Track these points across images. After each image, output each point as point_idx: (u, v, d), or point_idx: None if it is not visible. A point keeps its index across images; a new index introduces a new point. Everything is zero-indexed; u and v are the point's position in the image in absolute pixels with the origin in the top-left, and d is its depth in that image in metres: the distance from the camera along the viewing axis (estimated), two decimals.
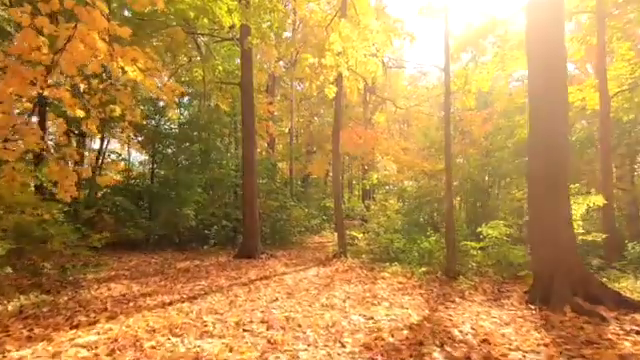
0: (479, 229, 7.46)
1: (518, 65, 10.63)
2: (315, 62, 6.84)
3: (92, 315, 3.99)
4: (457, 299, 5.36)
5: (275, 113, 20.48)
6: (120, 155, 13.73)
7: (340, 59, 7.26)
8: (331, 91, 7.60)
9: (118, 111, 6.63)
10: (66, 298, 4.72)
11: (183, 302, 4.81)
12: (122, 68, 5.86)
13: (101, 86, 5.92)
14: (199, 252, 9.89)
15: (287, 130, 20.37)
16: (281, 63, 22.87)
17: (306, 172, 21.12)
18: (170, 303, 4.73)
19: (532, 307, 4.84)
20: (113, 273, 6.89)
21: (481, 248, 7.34)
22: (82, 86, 5.73)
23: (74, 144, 13.12)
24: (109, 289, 5.44)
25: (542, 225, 5.16)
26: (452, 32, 9.96)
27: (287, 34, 16.61)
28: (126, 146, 15.19)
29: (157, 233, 10.74)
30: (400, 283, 6.29)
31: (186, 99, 13.21)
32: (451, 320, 4.35)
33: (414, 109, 18.41)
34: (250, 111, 9.74)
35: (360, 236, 9.73)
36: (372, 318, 4.27)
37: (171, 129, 13.38)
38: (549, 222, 5.07)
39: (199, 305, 4.69)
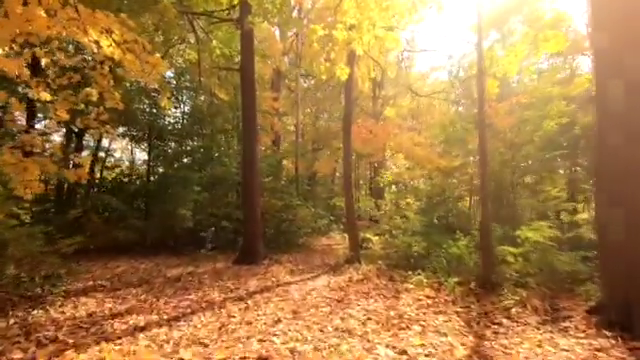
0: (517, 232, 6.35)
1: (550, 47, 9.50)
2: (325, 35, 5.82)
3: (31, 350, 3.00)
4: (504, 320, 4.28)
5: (280, 110, 19.52)
6: (118, 153, 12.94)
7: (354, 34, 6.23)
8: (343, 72, 6.55)
9: (95, 95, 5.67)
10: (12, 321, 3.75)
11: (161, 326, 3.80)
12: (97, 42, 4.91)
13: (68, 62, 4.95)
14: (195, 257, 8.91)
15: (293, 126, 19.39)
16: (286, 59, 22.00)
17: (312, 170, 20.10)
18: (144, 327, 3.73)
19: (608, 334, 3.76)
20: (90, 283, 5.93)
21: (520, 254, 6.23)
22: (44, 60, 4.77)
23: (67, 142, 12.36)
24: (75, 307, 4.47)
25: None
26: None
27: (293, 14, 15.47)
28: (129, 144, 14.38)
29: (151, 235, 9.81)
30: (429, 297, 5.22)
31: (184, 91, 12.29)
32: (508, 354, 3.29)
33: (428, 101, 17.28)
34: (251, 100, 8.74)
35: (375, 239, 8.67)
36: (405, 352, 3.22)
37: (169, 123, 12.50)
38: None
39: (180, 330, 3.68)
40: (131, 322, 3.89)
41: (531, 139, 11.22)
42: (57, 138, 12.88)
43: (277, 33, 21.17)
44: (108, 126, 5.42)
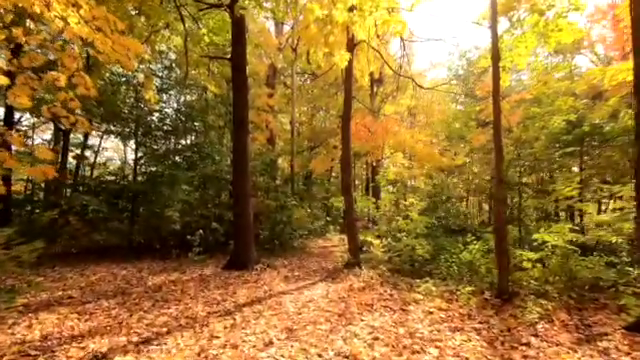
0: (535, 235, 5.78)
1: (564, 36, 8.95)
2: (323, 16, 5.19)
3: None
4: (532, 339, 3.69)
5: (275, 108, 18.89)
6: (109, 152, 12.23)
7: (354, 16, 5.63)
8: (343, 58, 5.93)
9: (63, 80, 4.98)
10: None
11: (127, 352, 3.16)
12: (63, 19, 4.25)
13: (25, 39, 4.28)
14: (182, 262, 8.25)
15: (288, 124, 18.79)
16: (281, 56, 21.36)
17: (308, 169, 19.49)
18: (105, 355, 3.08)
19: None
20: (59, 294, 5.25)
21: (537, 260, 5.66)
22: None
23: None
24: (30, 326, 3.80)
25: None
26: None
27: None
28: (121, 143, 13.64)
29: (136, 238, 9.12)
30: (441, 310, 4.62)
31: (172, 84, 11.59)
32: None
33: (428, 98, 16.72)
34: (242, 93, 8.10)
35: (377, 242, 8.05)
36: None
37: (158, 119, 11.80)
38: None
39: (149, 359, 3.04)
40: (92, 347, 3.24)
41: (538, 136, 10.71)
42: (47, 136, 12.24)
43: (272, 29, 20.58)
44: (81, 117, 4.72)
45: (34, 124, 15.13)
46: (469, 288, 5.26)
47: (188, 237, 8.37)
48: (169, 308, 4.60)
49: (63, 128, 11.44)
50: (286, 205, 11.66)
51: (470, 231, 13.28)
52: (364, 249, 8.73)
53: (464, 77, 20.20)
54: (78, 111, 5.86)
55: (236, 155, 8.00)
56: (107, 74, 8.68)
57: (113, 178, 10.97)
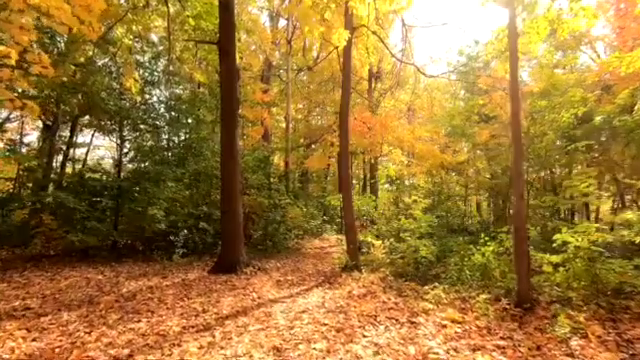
0: (555, 236, 5.18)
1: (575, 23, 8.36)
2: None
3: None
4: None
5: (271, 103, 18.25)
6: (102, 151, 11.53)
7: None
8: (342, 37, 5.31)
9: (13, 55, 4.30)
10: None
11: None
12: None
13: None
14: (166, 265, 7.58)
15: (283, 118, 18.17)
16: (276, 54, 20.72)
17: (304, 167, 18.86)
18: None
19: None
20: (16, 303, 4.57)
21: (558, 263, 5.06)
22: None
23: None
24: None
25: None
26: None
27: None
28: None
29: (116, 239, 8.42)
30: (455, 322, 3.99)
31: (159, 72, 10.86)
32: None
33: (428, 93, 16.12)
34: (231, 81, 7.43)
35: (378, 243, 7.42)
36: None
37: (144, 112, 11.08)
38: None
39: None
40: None
41: (545, 130, 10.16)
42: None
43: (267, 25, 19.95)
44: (29, 101, 4.05)
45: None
46: (484, 296, 4.64)
47: (171, 238, 7.68)
48: (139, 322, 3.94)
49: (48, 123, 10.76)
50: (280, 203, 11.03)
51: (472, 230, 12.76)
52: (363, 250, 8.12)
53: (464, 72, 19.67)
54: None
55: (224, 149, 7.35)
56: (82, 59, 7.94)
57: (95, 175, 10.25)
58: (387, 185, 18.36)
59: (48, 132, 11.10)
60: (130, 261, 8.18)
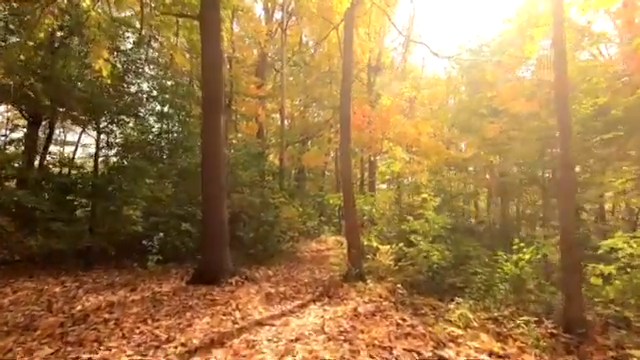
0: (602, 242, 4.27)
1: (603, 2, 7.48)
2: None
3: None
4: None
5: (265, 98, 17.30)
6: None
7: None
8: (344, 1, 4.37)
9: None
10: None
11: None
12: None
13: None
14: (140, 273, 6.58)
15: (278, 113, 17.23)
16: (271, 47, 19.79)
17: (301, 165, 17.91)
18: None
19: None
20: None
21: (610, 274, 4.15)
22: None
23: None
24: None
25: None
26: None
27: None
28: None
29: (84, 244, 7.38)
30: (495, 356, 3.05)
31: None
32: None
33: (429, 87, 15.19)
34: (215, 63, 6.44)
35: (384, 248, 6.46)
36: None
37: (125, 104, 10.03)
38: None
39: None
40: None
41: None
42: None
43: (262, 17, 18.98)
44: None
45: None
46: (524, 317, 3.70)
47: (144, 242, 6.68)
48: (77, 358, 2.96)
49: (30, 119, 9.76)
50: (273, 202, 10.06)
51: (483, 233, 11.88)
52: (367, 256, 7.17)
53: (467, 67, 18.86)
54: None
55: (206, 140, 6.35)
56: (42, 34, 6.90)
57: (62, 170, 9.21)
58: (384, 185, 17.46)
59: (31, 129, 10.12)
60: (101, 269, 7.19)
